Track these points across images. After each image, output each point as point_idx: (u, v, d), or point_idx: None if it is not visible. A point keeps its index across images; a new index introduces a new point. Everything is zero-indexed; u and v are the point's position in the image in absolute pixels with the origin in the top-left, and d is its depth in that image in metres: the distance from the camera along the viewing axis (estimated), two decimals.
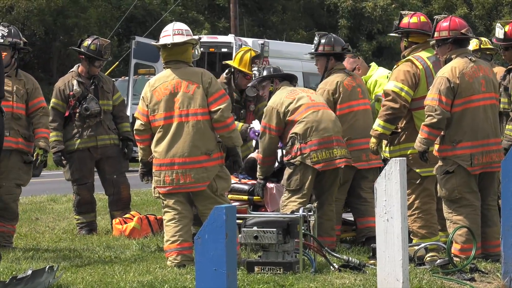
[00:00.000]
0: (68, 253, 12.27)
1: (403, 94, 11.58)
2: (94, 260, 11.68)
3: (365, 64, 14.36)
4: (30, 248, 12.74)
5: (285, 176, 12.19)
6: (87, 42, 14.73)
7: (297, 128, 12.06)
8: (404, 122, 11.83)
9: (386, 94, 11.83)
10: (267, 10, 73.99)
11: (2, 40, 12.81)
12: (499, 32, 13.36)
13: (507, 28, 13.44)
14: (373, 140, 11.92)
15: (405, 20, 12.26)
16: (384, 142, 11.80)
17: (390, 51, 63.54)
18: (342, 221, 13.29)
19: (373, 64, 14.67)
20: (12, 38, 12.78)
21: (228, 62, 14.98)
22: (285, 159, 12.34)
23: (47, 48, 65.36)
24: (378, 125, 11.74)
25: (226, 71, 14.68)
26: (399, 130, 11.88)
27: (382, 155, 12.64)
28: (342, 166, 12.18)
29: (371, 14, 75.10)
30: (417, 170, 11.39)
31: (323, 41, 13.27)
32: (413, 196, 11.42)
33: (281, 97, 12.36)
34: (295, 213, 11.07)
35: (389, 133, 11.87)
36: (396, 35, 12.57)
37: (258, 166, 12.87)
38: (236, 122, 13.33)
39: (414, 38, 12.10)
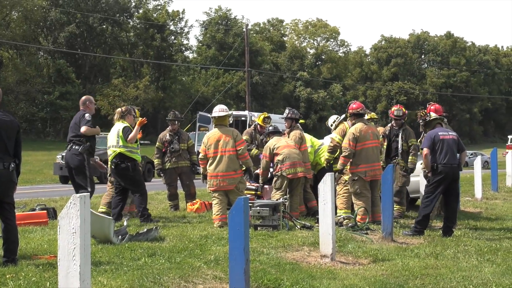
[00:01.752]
0: (164, 220, 13.23)
1: (337, 139, 13.17)
2: (177, 223, 12.78)
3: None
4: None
5: (274, 181, 13.31)
6: (170, 114, 15.86)
7: (279, 157, 13.15)
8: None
9: (331, 139, 13.46)
10: (264, 98, 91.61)
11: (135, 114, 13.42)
12: (398, 111, 14.39)
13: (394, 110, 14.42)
14: (323, 162, 13.54)
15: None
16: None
17: (325, 119, 76.48)
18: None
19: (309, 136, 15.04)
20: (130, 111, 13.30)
21: (256, 119, 15.96)
22: (274, 172, 13.33)
23: (155, 118, 74.52)
24: (326, 154, 13.35)
25: (252, 126, 15.95)
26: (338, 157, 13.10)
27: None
28: (301, 176, 13.30)
29: (316, 100, 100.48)
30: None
31: (290, 111, 14.31)
32: (337, 189, 12.75)
33: (272, 142, 13.49)
34: (278, 200, 12.42)
35: (332, 158, 13.28)
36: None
37: (260, 177, 13.90)
38: (254, 149, 14.85)
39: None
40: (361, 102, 13.75)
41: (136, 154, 12.74)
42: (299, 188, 13.58)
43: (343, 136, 13.22)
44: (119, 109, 13.20)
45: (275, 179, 13.29)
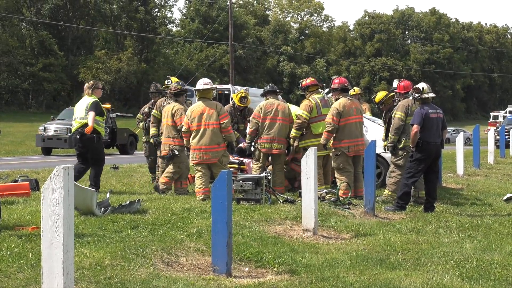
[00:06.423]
0: (146, 194, 13.31)
1: (304, 115, 13.12)
2: (160, 196, 12.78)
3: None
4: (128, 191, 13.91)
5: (253, 151, 13.56)
6: (151, 86, 15.71)
7: (260, 128, 13.36)
8: (306, 129, 13.22)
9: (296, 116, 13.34)
10: (248, 72, 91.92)
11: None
12: (394, 84, 14.10)
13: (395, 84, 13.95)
14: (291, 140, 13.39)
15: (303, 82, 13.67)
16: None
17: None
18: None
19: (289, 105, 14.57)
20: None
21: (233, 97, 15.82)
22: (253, 143, 13.46)
23: (138, 90, 74.86)
24: (292, 131, 13.21)
25: (231, 103, 15.89)
26: (304, 133, 13.20)
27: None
28: (276, 153, 13.34)
29: (300, 74, 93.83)
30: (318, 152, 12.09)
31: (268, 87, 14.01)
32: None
33: (263, 106, 13.43)
34: (261, 174, 12.45)
35: (299, 135, 13.23)
36: (301, 92, 13.80)
37: (248, 135, 13.66)
38: (235, 132, 14.24)
39: (311, 88, 13.47)
40: (344, 77, 13.76)
41: (102, 128, 13.23)
42: (279, 163, 13.60)
43: (310, 112, 13.24)
44: (86, 84, 13.52)
45: (253, 149, 13.51)
